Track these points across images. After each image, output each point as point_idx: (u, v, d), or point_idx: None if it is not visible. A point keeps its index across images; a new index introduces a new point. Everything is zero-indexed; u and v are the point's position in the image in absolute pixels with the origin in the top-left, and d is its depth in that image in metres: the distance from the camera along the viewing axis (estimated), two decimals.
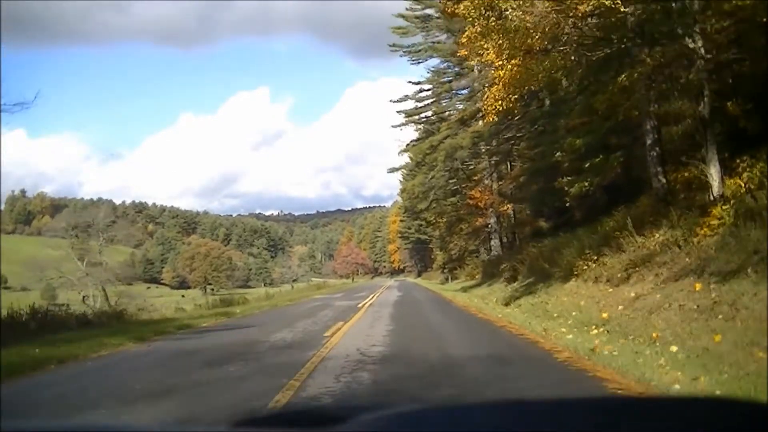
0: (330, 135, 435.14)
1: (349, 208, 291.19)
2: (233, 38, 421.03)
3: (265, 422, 0.98)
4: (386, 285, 49.18)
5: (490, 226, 32.01)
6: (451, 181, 31.65)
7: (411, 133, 33.96)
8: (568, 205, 16.30)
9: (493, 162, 26.77)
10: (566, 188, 15.51)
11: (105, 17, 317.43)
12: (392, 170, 32.83)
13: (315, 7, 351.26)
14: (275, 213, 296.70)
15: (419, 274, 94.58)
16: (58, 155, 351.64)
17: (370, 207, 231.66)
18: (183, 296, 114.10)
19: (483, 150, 26.19)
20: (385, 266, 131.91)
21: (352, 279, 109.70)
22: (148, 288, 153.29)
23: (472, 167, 31.40)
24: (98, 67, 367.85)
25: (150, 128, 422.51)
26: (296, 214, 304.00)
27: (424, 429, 0.73)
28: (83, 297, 39.12)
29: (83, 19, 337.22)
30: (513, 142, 22.19)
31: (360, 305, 17.93)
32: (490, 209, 31.11)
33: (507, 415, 0.75)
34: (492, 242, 32.17)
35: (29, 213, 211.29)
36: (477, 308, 13.74)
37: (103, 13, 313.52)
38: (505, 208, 27.81)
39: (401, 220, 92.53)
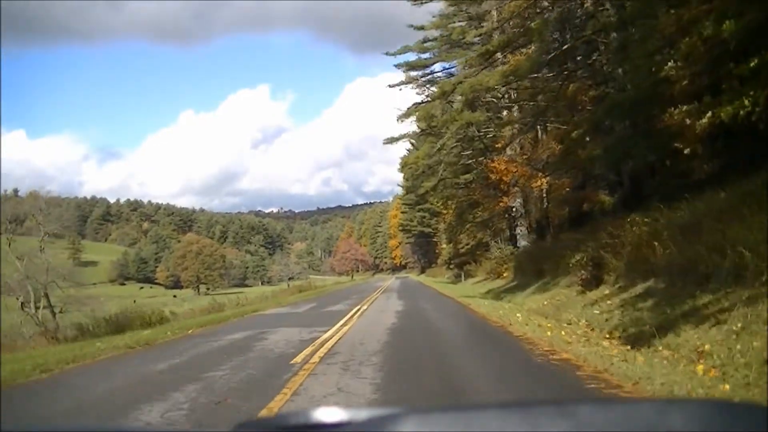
0: (330, 131, 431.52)
1: (350, 205, 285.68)
2: (230, 35, 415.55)
3: (265, 425, 0.96)
4: (384, 286, 40.03)
5: (514, 209, 25.27)
6: (464, 153, 24.86)
7: (412, 96, 26.86)
8: (687, 152, 9.51)
9: (528, 118, 19.91)
10: (688, 121, 8.73)
11: (98, 14, 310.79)
12: (389, 141, 26.07)
13: (312, 2, 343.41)
14: (275, 210, 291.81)
15: (423, 271, 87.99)
16: (58, 155, 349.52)
17: (370, 203, 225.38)
18: (175, 296, 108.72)
19: (514, 97, 19.49)
20: (386, 262, 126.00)
21: (352, 276, 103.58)
22: (141, 288, 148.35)
23: (491, 135, 24.59)
24: (96, 66, 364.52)
25: (150, 127, 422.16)
26: (296, 211, 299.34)
27: (425, 429, 0.73)
28: (21, 303, 32.54)
29: (77, 16, 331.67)
30: (561, 82, 15.39)
31: (311, 350, 8.65)
32: (515, 188, 24.34)
33: (510, 417, 0.74)
34: (517, 230, 25.43)
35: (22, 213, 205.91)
36: (631, 379, 5.05)
37: (96, 11, 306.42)
38: (539, 183, 21.09)
39: (403, 212, 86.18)
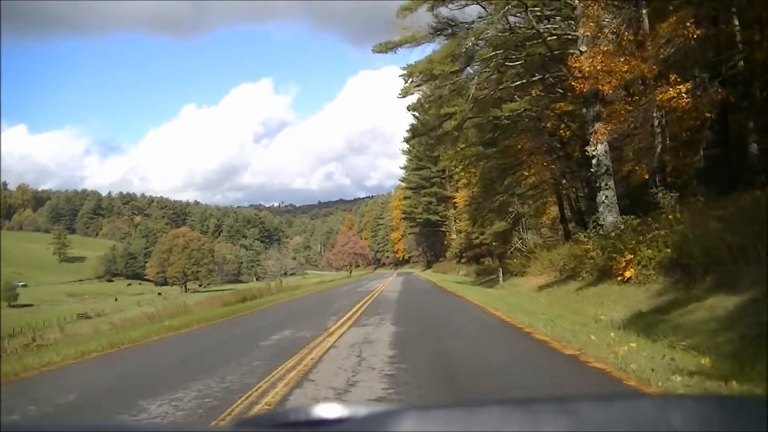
0: (333, 125, 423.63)
1: (352, 198, 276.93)
2: (230, 26, 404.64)
3: (265, 422, 0.97)
4: (379, 289, 26.09)
5: (596, 161, 14.77)
6: (511, 62, 14.43)
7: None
8: None
9: None
10: None
11: (96, 6, 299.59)
12: (383, 48, 15.48)
13: None
14: (276, 205, 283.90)
15: (429, 265, 77.46)
16: (60, 150, 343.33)
17: (372, 196, 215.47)
18: (160, 294, 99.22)
19: None
20: (387, 256, 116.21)
21: (350, 272, 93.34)
22: (129, 285, 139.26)
23: (557, 30, 14.17)
24: (96, 60, 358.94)
25: (152, 121, 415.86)
26: (297, 205, 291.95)
27: (425, 429, 0.73)
28: None
29: (74, 8, 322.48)
30: None
31: None
32: (596, 125, 13.91)
33: (510, 413, 0.74)
34: (600, 195, 14.93)
35: (10, 206, 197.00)
36: None
37: (94, 1, 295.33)
38: (670, 93, 10.62)
39: (406, 198, 75.98)
